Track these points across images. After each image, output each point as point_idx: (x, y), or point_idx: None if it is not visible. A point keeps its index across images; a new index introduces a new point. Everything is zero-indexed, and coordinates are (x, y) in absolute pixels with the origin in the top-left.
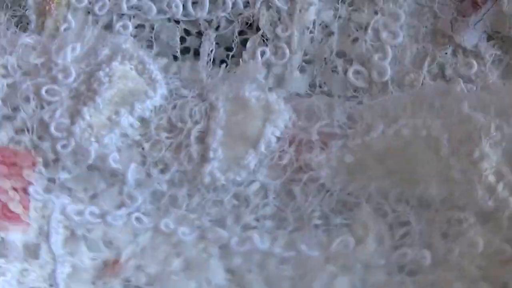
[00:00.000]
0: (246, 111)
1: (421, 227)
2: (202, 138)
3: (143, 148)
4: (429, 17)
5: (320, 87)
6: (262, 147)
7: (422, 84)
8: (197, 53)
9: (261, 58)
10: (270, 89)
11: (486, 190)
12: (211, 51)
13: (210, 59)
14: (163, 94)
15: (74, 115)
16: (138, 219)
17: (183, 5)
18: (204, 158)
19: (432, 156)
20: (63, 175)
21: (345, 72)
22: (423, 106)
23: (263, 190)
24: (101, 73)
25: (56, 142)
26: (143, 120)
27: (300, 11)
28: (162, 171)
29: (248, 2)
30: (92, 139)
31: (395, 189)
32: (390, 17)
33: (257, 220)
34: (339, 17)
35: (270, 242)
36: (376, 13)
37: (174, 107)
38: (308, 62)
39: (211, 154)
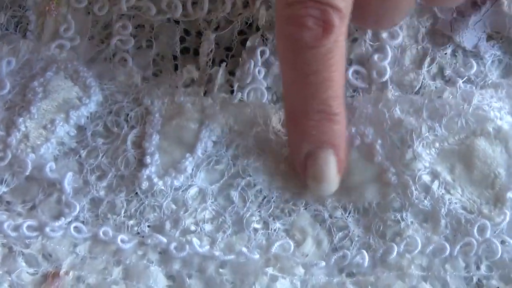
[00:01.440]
0: (182, 115)
1: (359, 230)
2: (139, 143)
3: (80, 156)
4: (429, 17)
5: None
6: (199, 151)
7: (421, 84)
8: (196, 53)
9: (261, 58)
10: (268, 89)
11: (422, 189)
12: (211, 51)
13: (209, 59)
14: (98, 100)
15: (9, 126)
16: (77, 228)
17: (182, 5)
18: (141, 163)
19: (366, 163)
20: (2, 189)
21: (345, 72)
22: (354, 115)
23: (201, 194)
24: (35, 83)
25: None
26: (79, 128)
27: None
28: (100, 178)
29: (247, 2)
30: (29, 150)
31: (332, 197)
32: None
33: (196, 224)
34: None
35: (209, 246)
36: None
37: (110, 112)
38: None
39: (148, 159)
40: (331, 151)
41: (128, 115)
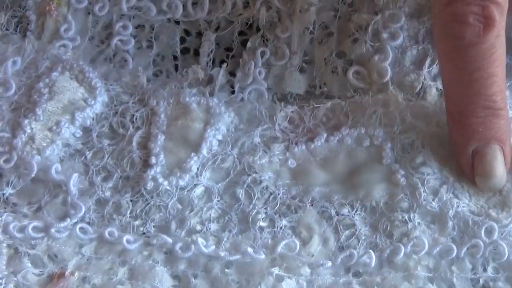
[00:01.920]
0: (187, 115)
1: (366, 229)
2: (144, 144)
3: (85, 157)
4: (429, 18)
5: (320, 87)
6: (204, 151)
7: (422, 84)
8: (197, 54)
9: (261, 58)
10: (269, 90)
11: (430, 192)
12: (211, 51)
13: (210, 60)
14: (104, 101)
15: (15, 128)
16: (82, 229)
17: (183, 6)
18: (146, 164)
19: (375, 164)
20: (8, 191)
21: (345, 72)
22: (364, 115)
23: (207, 193)
24: (41, 84)
25: None
26: (84, 129)
27: (300, 11)
28: (105, 179)
29: (248, 3)
30: (34, 152)
31: (339, 194)
32: (390, 17)
33: (202, 223)
34: (339, 17)
35: (215, 246)
36: (376, 13)
37: (116, 113)
38: (308, 62)
39: (153, 160)
40: (498, 147)
41: (133, 116)
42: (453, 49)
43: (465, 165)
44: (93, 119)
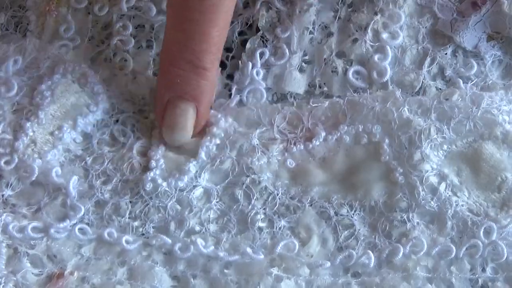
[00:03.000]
0: None
1: (365, 229)
2: (144, 152)
3: (85, 162)
4: (429, 18)
5: (320, 87)
6: (203, 155)
7: (421, 84)
8: None
9: (260, 58)
10: (269, 90)
11: (429, 191)
12: None
13: None
14: (105, 108)
15: (17, 130)
16: (81, 230)
17: None
18: (146, 169)
19: (373, 161)
20: (7, 192)
21: (345, 72)
22: (362, 112)
23: (205, 194)
24: (43, 87)
25: None
26: (85, 135)
27: (299, 11)
28: (105, 182)
29: (247, 3)
30: (35, 155)
31: (338, 194)
32: (390, 17)
33: (201, 224)
34: (339, 17)
35: (214, 246)
36: (375, 13)
37: (116, 121)
38: (307, 62)
39: (153, 164)
40: (192, 104)
41: (134, 125)
42: None
43: (157, 114)
44: (94, 125)
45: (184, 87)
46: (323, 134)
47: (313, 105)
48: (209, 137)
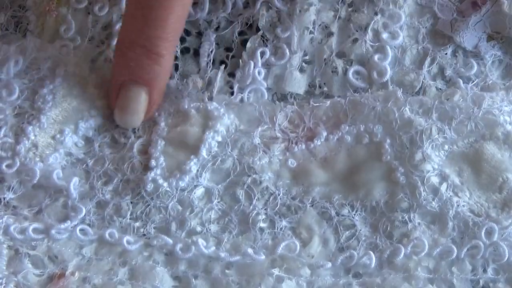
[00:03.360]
0: (186, 121)
1: (366, 229)
2: (145, 150)
3: (87, 165)
4: (429, 18)
5: (320, 87)
6: (204, 152)
7: (421, 84)
8: (197, 53)
9: (261, 58)
10: (269, 90)
11: (430, 191)
12: (211, 51)
13: (210, 60)
14: (106, 113)
15: (19, 134)
16: (83, 231)
17: None
18: (146, 168)
19: (374, 161)
20: (9, 195)
21: (345, 72)
22: (364, 112)
23: (207, 194)
24: (45, 91)
25: (1, 162)
26: (86, 139)
27: (299, 11)
28: (105, 183)
29: (248, 3)
30: (37, 159)
31: (339, 194)
32: (390, 17)
33: (202, 225)
34: (339, 17)
35: (215, 247)
36: (376, 13)
37: (118, 125)
38: (307, 62)
39: (153, 163)
40: (145, 89)
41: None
42: None
43: (111, 97)
44: (95, 129)
45: (137, 71)
46: (325, 134)
47: (315, 104)
48: (211, 133)
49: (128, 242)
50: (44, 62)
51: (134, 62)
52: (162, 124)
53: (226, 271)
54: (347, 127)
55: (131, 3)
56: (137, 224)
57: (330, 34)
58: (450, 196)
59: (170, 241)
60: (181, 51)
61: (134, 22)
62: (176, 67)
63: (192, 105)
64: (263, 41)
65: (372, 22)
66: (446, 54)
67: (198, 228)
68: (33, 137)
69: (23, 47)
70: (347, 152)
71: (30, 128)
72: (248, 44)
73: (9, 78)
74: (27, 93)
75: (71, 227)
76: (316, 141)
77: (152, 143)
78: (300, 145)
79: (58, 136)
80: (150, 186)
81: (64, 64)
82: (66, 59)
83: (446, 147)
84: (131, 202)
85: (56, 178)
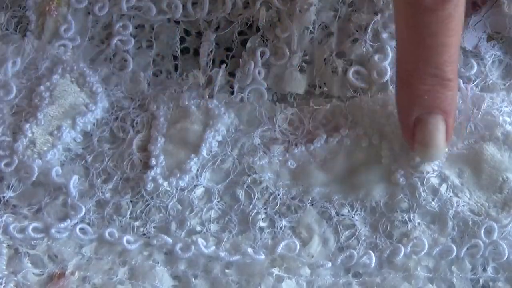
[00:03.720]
0: (186, 118)
1: (366, 229)
2: (144, 147)
3: (86, 161)
4: None
5: (320, 87)
6: (204, 152)
7: None
8: (197, 53)
9: (261, 58)
10: (269, 90)
11: (429, 191)
12: (211, 51)
13: (210, 60)
14: (104, 107)
15: (16, 132)
16: (82, 230)
17: (183, 6)
18: (146, 166)
19: (374, 164)
20: (8, 194)
21: (345, 72)
22: (363, 115)
23: (206, 194)
24: (42, 88)
25: None
26: (85, 134)
27: (299, 11)
28: (105, 181)
29: (247, 3)
30: (35, 155)
31: (339, 194)
32: (390, 17)
33: (202, 224)
34: (339, 17)
35: (215, 246)
36: (376, 13)
37: (116, 118)
38: (307, 62)
39: (153, 161)
40: (441, 117)
41: (134, 120)
42: (411, 13)
43: (406, 132)
44: (93, 124)
45: (433, 102)
46: (324, 136)
47: (315, 107)
48: (212, 132)
49: (128, 242)
50: (42, 62)
51: (427, 94)
52: (162, 119)
53: (226, 270)
54: (347, 130)
55: (409, 33)
56: (137, 223)
57: (330, 34)
58: (450, 196)
59: (170, 240)
60: (181, 51)
61: (419, 53)
62: (176, 67)
63: (192, 101)
64: (263, 41)
65: (372, 22)
66: None
67: (198, 228)
68: (30, 134)
69: (21, 48)
70: (347, 154)
71: (27, 125)
72: (248, 44)
73: (7, 78)
74: (24, 92)
75: (71, 226)
76: (316, 143)
77: (151, 140)
78: (300, 147)
79: (55, 132)
80: (150, 186)
81: (61, 62)
82: (64, 57)
83: (446, 149)
84: (131, 201)
85: (55, 176)
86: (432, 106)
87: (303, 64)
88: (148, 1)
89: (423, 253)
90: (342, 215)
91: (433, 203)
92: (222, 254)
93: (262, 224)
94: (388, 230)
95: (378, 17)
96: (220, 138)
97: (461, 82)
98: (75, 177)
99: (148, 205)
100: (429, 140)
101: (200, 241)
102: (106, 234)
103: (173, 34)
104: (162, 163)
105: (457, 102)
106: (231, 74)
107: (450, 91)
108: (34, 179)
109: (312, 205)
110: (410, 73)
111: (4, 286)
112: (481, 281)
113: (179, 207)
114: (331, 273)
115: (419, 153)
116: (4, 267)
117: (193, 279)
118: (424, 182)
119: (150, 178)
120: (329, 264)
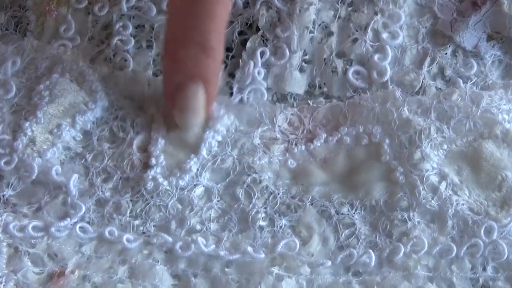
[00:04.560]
0: None
1: (365, 228)
2: (144, 147)
3: (85, 160)
4: (429, 18)
5: (320, 87)
6: (204, 152)
7: (421, 84)
8: None
9: (261, 58)
10: (269, 90)
11: (429, 190)
12: None
13: None
14: (104, 106)
15: (16, 130)
16: (82, 228)
17: None
18: (146, 166)
19: (373, 162)
20: (8, 192)
21: (345, 72)
22: (362, 113)
23: (206, 193)
24: (41, 87)
25: None
26: (85, 132)
27: (299, 11)
28: (105, 180)
29: (248, 3)
30: (35, 154)
31: (338, 193)
32: (390, 17)
33: (202, 223)
34: (339, 17)
35: (215, 245)
36: (376, 13)
37: (116, 118)
38: (307, 62)
39: (153, 161)
40: (202, 85)
41: (134, 121)
42: None
43: (168, 98)
44: (93, 123)
45: (194, 69)
46: (324, 135)
47: (314, 106)
48: (211, 133)
49: (128, 240)
50: (41, 62)
51: (189, 59)
52: (161, 120)
53: (226, 269)
54: (346, 129)
55: (179, 1)
56: (136, 222)
57: (330, 33)
58: (450, 194)
59: (170, 239)
60: None
61: (185, 20)
62: None
63: None
64: (263, 41)
65: (372, 22)
66: (446, 54)
67: (198, 227)
68: (30, 133)
69: (21, 48)
70: (347, 153)
71: (27, 124)
72: (248, 44)
73: (7, 77)
74: (24, 91)
75: (71, 225)
76: (315, 143)
77: (152, 141)
78: (299, 146)
79: (55, 130)
80: (150, 185)
81: (61, 61)
82: (64, 57)
83: (445, 146)
84: (131, 200)
85: (55, 174)
86: (193, 73)
87: (303, 64)
88: (148, 1)
89: (423, 252)
90: (342, 214)
91: (432, 201)
92: (222, 253)
93: (262, 223)
94: (388, 229)
95: (378, 17)
96: (219, 138)
97: (461, 81)
98: (75, 176)
99: (148, 204)
100: (186, 105)
101: (200, 240)
102: (106, 233)
103: None
104: (162, 163)
105: (218, 73)
106: (231, 75)
107: (213, 59)
108: (34, 177)
109: (312, 204)
110: (176, 40)
111: (4, 285)
112: (481, 280)
113: (179, 206)
114: (331, 272)
115: (177, 119)
116: (4, 266)
117: (193, 278)
118: (424, 180)
119: (150, 177)
120: (329, 263)
